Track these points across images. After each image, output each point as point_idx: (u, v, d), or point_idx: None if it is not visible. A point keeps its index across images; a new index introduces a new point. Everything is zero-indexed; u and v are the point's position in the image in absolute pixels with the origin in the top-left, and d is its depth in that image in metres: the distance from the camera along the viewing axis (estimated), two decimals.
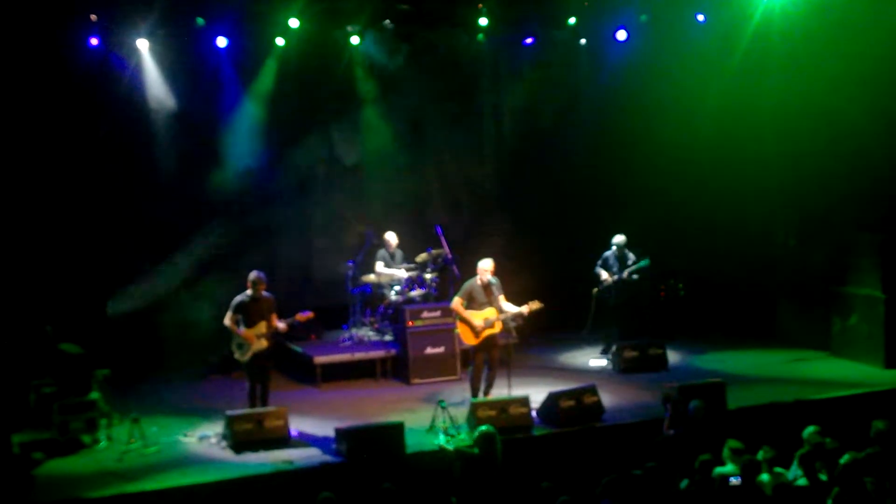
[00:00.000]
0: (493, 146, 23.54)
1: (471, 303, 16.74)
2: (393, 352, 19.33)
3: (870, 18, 18.98)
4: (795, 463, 12.50)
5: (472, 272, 16.98)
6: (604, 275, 20.04)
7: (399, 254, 20.26)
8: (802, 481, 11.92)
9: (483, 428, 13.29)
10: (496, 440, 13.07)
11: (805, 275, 20.74)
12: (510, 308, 16.77)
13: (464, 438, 15.21)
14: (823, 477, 12.13)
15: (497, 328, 16.78)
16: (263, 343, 16.12)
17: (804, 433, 12.93)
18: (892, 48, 18.83)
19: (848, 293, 19.77)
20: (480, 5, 19.93)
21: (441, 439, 15.27)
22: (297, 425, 15.98)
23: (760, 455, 12.42)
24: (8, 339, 16.57)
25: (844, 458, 11.76)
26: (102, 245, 19.87)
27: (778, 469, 12.35)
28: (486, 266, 16.84)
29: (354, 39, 20.00)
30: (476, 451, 13.09)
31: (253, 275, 16.17)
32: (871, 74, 19.00)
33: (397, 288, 19.82)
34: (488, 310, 16.71)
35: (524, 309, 16.70)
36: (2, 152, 18.33)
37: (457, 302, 16.83)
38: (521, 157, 23.46)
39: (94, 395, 16.05)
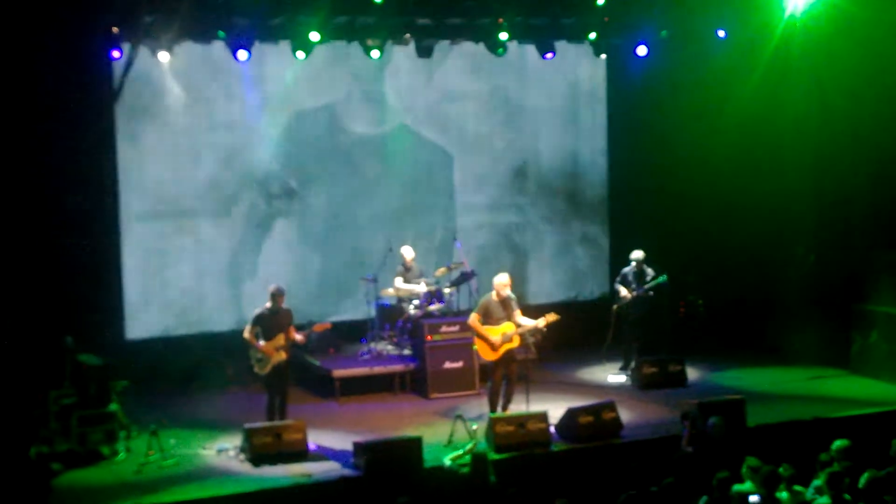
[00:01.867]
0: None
1: (487, 319, 16.73)
2: (411, 366, 19.31)
3: (892, 35, 18.93)
4: (815, 482, 12.43)
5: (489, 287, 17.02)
6: (623, 291, 20.00)
7: (416, 268, 20.25)
8: (822, 500, 11.85)
9: (478, 448, 13.35)
10: (487, 462, 13.08)
11: (825, 292, 20.66)
12: (527, 322, 16.76)
13: (458, 453, 15.24)
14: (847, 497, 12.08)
15: (515, 343, 16.77)
16: (282, 355, 16.14)
17: (832, 446, 12.86)
18: None
19: (868, 310, 19.72)
20: (501, 20, 19.90)
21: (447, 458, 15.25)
22: (315, 439, 15.98)
23: (781, 472, 12.36)
24: (9, 341, 16.66)
25: (865, 477, 11.72)
26: (121, 256, 19.98)
27: (797, 487, 12.29)
28: (502, 281, 16.84)
29: (375, 53, 19.99)
30: (465, 471, 13.10)
31: (273, 287, 16.23)
32: (893, 91, 18.96)
33: (416, 302, 19.81)
34: (505, 324, 16.70)
35: (541, 322, 16.69)
36: (23, 164, 18.38)
37: (473, 318, 16.82)
38: None
39: (114, 406, 16.08)
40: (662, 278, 19.83)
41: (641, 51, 21.06)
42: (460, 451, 15.29)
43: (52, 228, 18.73)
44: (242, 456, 15.49)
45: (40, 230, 18.55)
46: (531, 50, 21.16)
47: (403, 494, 12.32)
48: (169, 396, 18.95)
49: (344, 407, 18.56)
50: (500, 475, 14.62)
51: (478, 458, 13.37)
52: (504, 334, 16.64)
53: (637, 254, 20.02)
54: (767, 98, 20.99)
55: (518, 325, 16.75)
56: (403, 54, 21.06)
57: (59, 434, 15.79)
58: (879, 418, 16.87)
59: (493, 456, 15.16)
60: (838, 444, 12.86)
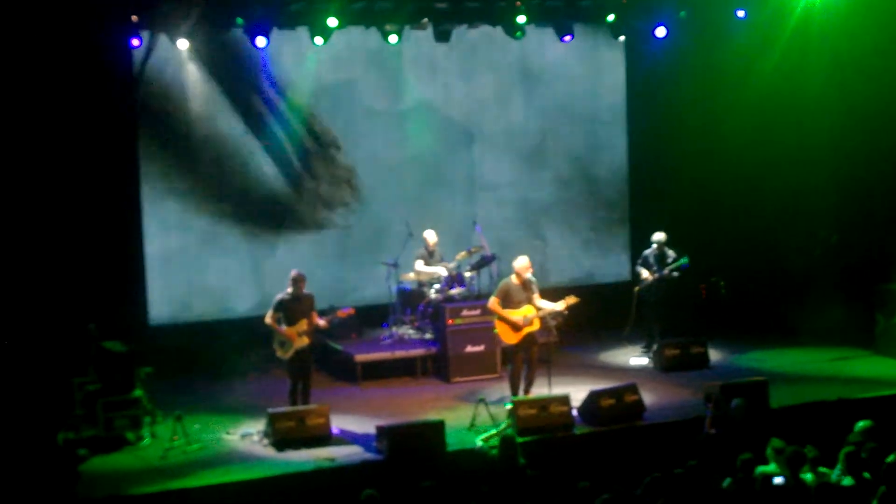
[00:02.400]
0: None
1: (507, 302, 16.74)
2: (433, 350, 19.33)
3: None
4: (840, 463, 12.43)
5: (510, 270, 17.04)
6: (644, 273, 19.98)
7: (438, 252, 20.25)
8: (847, 481, 11.84)
9: (506, 432, 13.36)
10: (515, 444, 13.09)
11: (847, 272, 20.61)
12: (547, 305, 16.77)
13: (491, 433, 15.26)
14: (867, 475, 12.07)
15: (535, 326, 16.78)
16: (305, 340, 16.17)
17: (856, 427, 12.85)
18: None
19: (891, 290, 19.64)
20: (518, 3, 19.89)
21: (478, 439, 15.28)
22: (338, 423, 16.01)
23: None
24: (34, 329, 16.75)
25: (891, 458, 11.70)
26: (143, 243, 20.08)
27: (822, 469, 12.28)
28: (522, 263, 16.85)
29: (393, 38, 20.00)
30: (494, 453, 13.10)
31: (294, 273, 16.26)
32: None
33: (437, 286, 19.81)
34: (525, 308, 16.71)
35: (560, 305, 16.71)
36: (44, 153, 18.47)
37: (493, 301, 16.84)
38: None
39: (138, 392, 16.14)
40: (684, 260, 19.80)
41: (660, 32, 21.03)
42: (493, 432, 15.31)
43: (73, 216, 18.81)
44: (266, 441, 15.54)
45: (62, 217, 18.65)
46: (550, 32, 21.14)
47: (426, 478, 12.34)
48: (193, 382, 19.03)
49: (366, 391, 18.60)
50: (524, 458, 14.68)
51: (506, 440, 13.38)
52: (524, 317, 16.65)
53: (658, 236, 20.00)
54: (787, 78, 20.97)
55: (538, 309, 16.76)
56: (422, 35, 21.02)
57: (85, 420, 15.85)
58: None
59: (517, 439, 15.16)
60: (861, 424, 12.86)
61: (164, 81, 20.23)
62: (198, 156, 20.77)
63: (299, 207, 21.55)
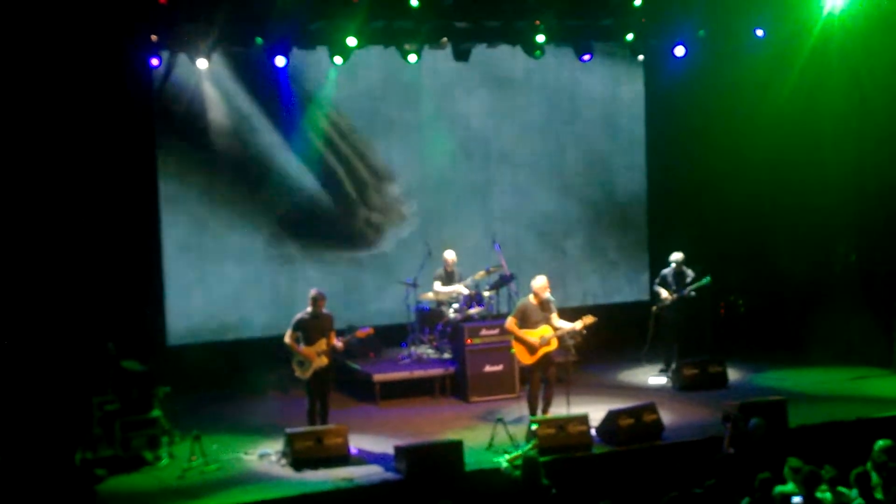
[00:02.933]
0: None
1: (525, 322, 16.74)
2: (452, 369, 19.31)
3: None
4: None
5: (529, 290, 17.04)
6: (663, 293, 19.95)
7: (457, 272, 20.25)
8: (861, 501, 11.80)
9: (530, 453, 13.33)
10: (538, 465, 13.06)
11: (867, 290, 20.55)
12: (564, 325, 16.77)
13: (516, 454, 15.23)
14: (879, 496, 12.02)
15: (553, 345, 16.76)
16: (324, 360, 16.17)
17: (875, 446, 12.80)
18: None
19: None
20: (538, 22, 19.90)
21: (503, 460, 15.25)
22: (356, 443, 16.00)
23: (823, 474, 12.31)
24: (52, 348, 16.79)
25: None
26: (163, 262, 20.14)
27: (841, 489, 12.24)
28: (540, 283, 16.85)
29: (412, 58, 20.03)
30: (517, 473, 13.08)
31: (313, 292, 16.26)
32: None
33: (456, 306, 19.81)
34: (543, 328, 16.70)
35: (578, 325, 16.73)
36: (64, 172, 18.52)
37: (510, 321, 16.84)
38: None
39: (156, 412, 16.17)
40: (706, 279, 19.77)
41: (679, 51, 21.01)
42: (517, 453, 15.28)
43: (93, 234, 18.85)
44: (284, 460, 15.53)
45: (81, 236, 18.69)
46: (569, 51, 21.17)
47: (445, 498, 12.33)
48: (211, 402, 19.03)
49: (384, 411, 18.59)
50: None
51: (529, 461, 13.36)
52: (542, 337, 16.65)
53: (677, 255, 19.97)
54: (806, 96, 20.91)
55: (556, 329, 16.75)
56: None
57: (103, 440, 15.88)
58: None
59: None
60: (881, 444, 12.80)
61: (184, 101, 20.29)
62: (216, 175, 20.81)
63: (320, 225, 21.58)
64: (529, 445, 15.48)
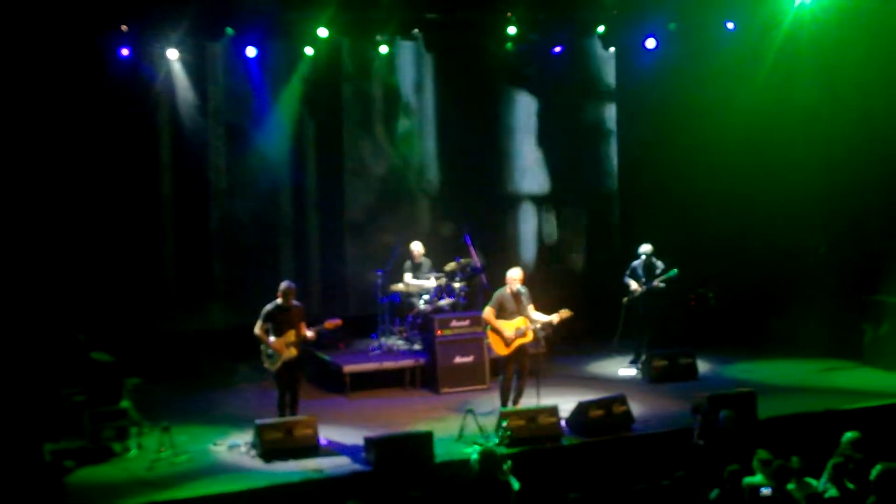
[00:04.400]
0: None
1: (501, 312, 16.75)
2: (422, 361, 19.30)
3: None
4: (826, 474, 12.43)
5: (501, 282, 17.02)
6: (633, 284, 19.97)
7: (426, 263, 20.26)
8: (832, 492, 11.84)
9: (488, 446, 13.36)
10: (495, 460, 13.05)
11: (836, 283, 20.60)
12: (539, 317, 16.78)
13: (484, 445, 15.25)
14: (850, 486, 12.07)
15: (528, 337, 16.77)
16: (293, 352, 16.13)
17: (843, 438, 12.84)
18: None
19: (880, 301, 19.66)
20: (509, 14, 19.92)
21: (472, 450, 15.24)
22: (326, 434, 15.97)
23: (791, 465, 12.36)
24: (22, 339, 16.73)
25: (877, 469, 11.70)
26: (134, 253, 20.03)
27: (808, 479, 12.29)
28: (515, 275, 16.86)
29: (383, 49, 20.02)
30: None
31: (283, 285, 16.20)
32: None
33: (426, 297, 19.82)
34: (519, 319, 16.72)
35: (554, 317, 16.73)
36: (34, 161, 18.44)
37: (488, 311, 16.83)
38: None
39: (125, 403, 16.11)
40: (674, 272, 19.78)
41: (650, 43, 21.08)
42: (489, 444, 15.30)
43: (62, 225, 18.77)
44: (253, 452, 15.49)
45: (51, 228, 18.60)
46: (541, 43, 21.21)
47: (415, 489, 12.33)
48: (180, 393, 18.97)
49: (354, 402, 18.56)
50: (511, 470, 14.64)
51: (486, 454, 13.35)
52: (517, 329, 16.66)
53: (646, 247, 19.99)
54: (777, 89, 20.94)
55: (531, 321, 16.76)
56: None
57: (72, 431, 15.81)
58: (892, 410, 16.82)
59: (504, 450, 15.18)
60: (848, 436, 12.85)
61: (154, 90, 20.19)
62: (188, 163, 20.74)
63: (290, 216, 21.59)
64: (500, 436, 15.49)
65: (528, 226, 23.74)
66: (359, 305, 21.43)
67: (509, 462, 13.28)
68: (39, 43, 17.93)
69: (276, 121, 21.27)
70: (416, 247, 20.28)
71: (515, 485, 13.11)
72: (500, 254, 22.33)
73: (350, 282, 21.97)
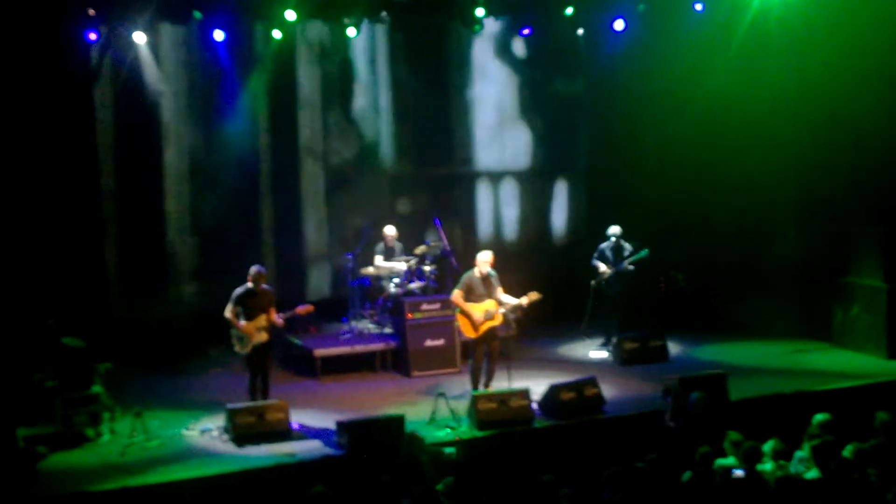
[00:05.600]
0: None
1: (470, 295, 16.76)
2: (393, 344, 19.30)
3: (869, 7, 18.91)
4: (798, 455, 12.49)
5: (471, 264, 17.04)
6: (602, 266, 19.98)
7: (398, 246, 20.28)
8: (811, 473, 11.90)
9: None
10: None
11: (806, 265, 20.67)
12: (509, 300, 16.81)
13: (464, 431, 15.30)
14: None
15: (497, 320, 16.80)
16: (263, 336, 16.14)
17: (814, 420, 12.90)
18: (892, 37, 18.75)
19: (849, 283, 19.73)
20: None
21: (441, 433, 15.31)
22: (297, 418, 15.98)
23: (768, 446, 12.41)
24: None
25: (848, 450, 11.78)
26: (103, 238, 19.95)
27: (781, 462, 12.35)
28: (484, 258, 16.88)
29: (351, 31, 19.97)
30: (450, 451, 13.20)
31: (253, 269, 16.19)
32: (872, 64, 18.93)
33: (396, 280, 19.81)
34: (488, 302, 16.74)
35: (523, 300, 16.76)
36: (0, 148, 18.32)
37: (457, 294, 16.84)
38: None
39: (97, 388, 16.07)
40: (644, 252, 19.81)
41: (619, 25, 21.10)
42: (455, 427, 15.44)
43: (31, 211, 18.65)
44: (226, 436, 15.49)
45: (21, 213, 18.48)
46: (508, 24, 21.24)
47: (386, 473, 12.34)
48: (152, 378, 18.92)
49: (326, 386, 18.56)
50: (483, 452, 14.68)
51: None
52: (486, 311, 16.68)
53: (614, 229, 20.00)
54: (745, 71, 20.96)
55: (500, 303, 16.78)
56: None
57: (44, 417, 15.76)
58: (862, 391, 16.95)
59: (477, 433, 15.22)
60: (819, 417, 12.91)
61: (121, 74, 20.08)
62: (157, 146, 20.67)
63: (258, 200, 21.58)
64: (467, 421, 15.56)
65: (487, 204, 23.75)
66: (317, 289, 21.41)
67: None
68: (3, 26, 17.77)
69: (243, 104, 21.18)
70: (390, 230, 20.29)
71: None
72: (463, 233, 22.48)
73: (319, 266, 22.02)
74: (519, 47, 23.07)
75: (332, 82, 22.16)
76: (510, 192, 23.65)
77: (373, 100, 22.52)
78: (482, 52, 23.04)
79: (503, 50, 23.15)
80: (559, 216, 23.96)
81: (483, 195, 23.65)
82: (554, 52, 23.35)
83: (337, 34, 20.86)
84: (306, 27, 21.11)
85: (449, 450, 13.73)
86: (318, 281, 21.79)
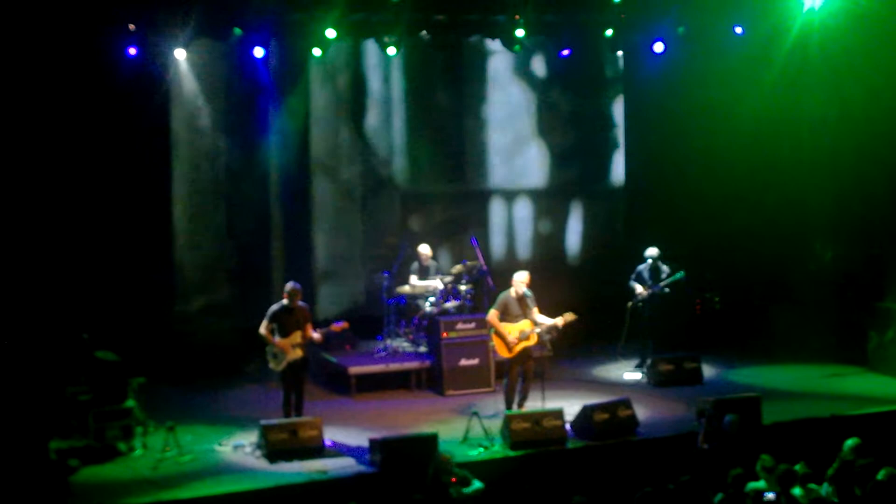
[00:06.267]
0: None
1: (505, 315, 16.73)
2: (427, 363, 19.29)
3: None
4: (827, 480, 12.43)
5: (507, 284, 17.02)
6: (638, 288, 19.94)
7: (433, 265, 20.28)
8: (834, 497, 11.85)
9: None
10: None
11: (842, 289, 20.58)
12: (544, 320, 16.77)
13: (497, 450, 15.27)
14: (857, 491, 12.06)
15: (532, 340, 16.77)
16: (298, 353, 16.13)
17: (845, 445, 12.83)
18: None
19: (885, 308, 19.64)
20: (518, 17, 19.92)
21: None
22: (331, 435, 15.97)
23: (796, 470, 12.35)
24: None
25: (882, 474, 11.70)
26: (141, 252, 20.03)
27: (811, 486, 12.27)
28: (521, 278, 16.86)
29: (391, 50, 20.03)
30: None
31: (289, 285, 16.20)
32: None
33: (432, 299, 19.81)
34: (523, 322, 16.71)
35: (558, 321, 16.72)
36: (42, 161, 18.45)
37: (493, 314, 16.82)
38: None
39: (130, 402, 16.11)
40: (680, 274, 19.76)
41: (658, 47, 21.07)
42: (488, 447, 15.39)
43: (70, 225, 18.77)
44: (258, 452, 15.48)
45: (58, 227, 18.61)
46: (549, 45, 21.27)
47: (419, 491, 12.32)
48: (186, 393, 18.98)
49: (360, 403, 18.55)
50: (515, 472, 14.65)
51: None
52: (521, 332, 16.65)
53: (652, 251, 19.97)
54: (785, 94, 20.95)
55: (536, 324, 16.75)
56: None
57: (76, 430, 15.81)
58: None
59: (510, 453, 15.19)
60: (850, 442, 12.85)
61: (161, 90, 20.19)
62: (194, 165, 20.77)
63: (297, 217, 21.65)
64: (500, 440, 15.54)
65: (526, 224, 23.74)
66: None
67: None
68: (46, 43, 17.93)
69: (283, 121, 21.27)
70: (424, 249, 20.30)
71: (477, 484, 13.20)
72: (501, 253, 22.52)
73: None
74: (539, 66, 23.13)
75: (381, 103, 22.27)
76: (543, 208, 23.63)
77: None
78: (500, 70, 23.09)
79: (522, 69, 23.18)
80: (595, 235, 23.90)
81: (521, 212, 23.62)
82: (593, 72, 23.34)
83: (348, 51, 20.99)
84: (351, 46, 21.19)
85: (475, 486, 13.61)
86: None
